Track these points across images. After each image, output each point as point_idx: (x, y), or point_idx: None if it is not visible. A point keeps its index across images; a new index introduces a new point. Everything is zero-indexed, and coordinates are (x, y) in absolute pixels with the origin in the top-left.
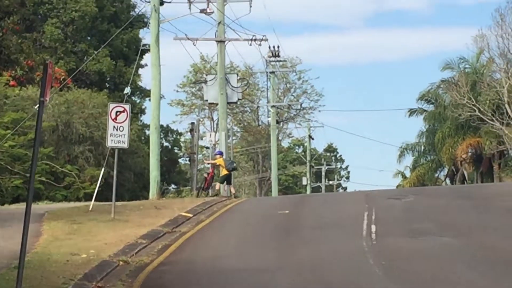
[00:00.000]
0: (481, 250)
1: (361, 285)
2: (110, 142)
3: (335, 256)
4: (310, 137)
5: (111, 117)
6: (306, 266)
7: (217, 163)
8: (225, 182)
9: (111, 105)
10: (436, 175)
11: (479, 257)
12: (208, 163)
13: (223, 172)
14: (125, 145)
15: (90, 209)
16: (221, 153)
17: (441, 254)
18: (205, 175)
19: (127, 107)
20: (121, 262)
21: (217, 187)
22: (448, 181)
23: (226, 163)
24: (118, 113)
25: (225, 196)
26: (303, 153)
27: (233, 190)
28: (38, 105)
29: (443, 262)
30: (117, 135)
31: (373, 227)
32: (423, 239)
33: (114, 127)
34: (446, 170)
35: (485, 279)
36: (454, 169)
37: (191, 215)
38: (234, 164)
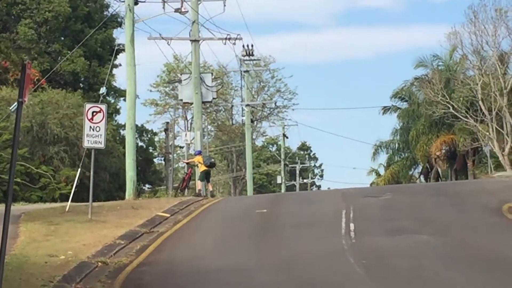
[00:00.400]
0: (459, 247)
1: (342, 284)
2: (87, 143)
3: (315, 255)
4: (284, 135)
5: (87, 117)
6: (285, 265)
7: (196, 161)
8: (205, 180)
9: (87, 105)
10: (411, 172)
11: (457, 255)
12: (186, 162)
13: (202, 168)
14: (102, 146)
15: (66, 210)
16: (199, 153)
17: (420, 251)
18: (183, 175)
19: (104, 107)
20: (99, 263)
21: (199, 187)
22: (422, 178)
23: (204, 159)
24: (94, 113)
25: (201, 195)
26: (277, 152)
27: (210, 188)
28: (14, 106)
29: (422, 259)
30: (94, 136)
31: (352, 225)
32: (402, 237)
33: (90, 127)
34: (420, 167)
35: (463, 276)
36: (428, 167)
37: (168, 215)
38: (212, 160)
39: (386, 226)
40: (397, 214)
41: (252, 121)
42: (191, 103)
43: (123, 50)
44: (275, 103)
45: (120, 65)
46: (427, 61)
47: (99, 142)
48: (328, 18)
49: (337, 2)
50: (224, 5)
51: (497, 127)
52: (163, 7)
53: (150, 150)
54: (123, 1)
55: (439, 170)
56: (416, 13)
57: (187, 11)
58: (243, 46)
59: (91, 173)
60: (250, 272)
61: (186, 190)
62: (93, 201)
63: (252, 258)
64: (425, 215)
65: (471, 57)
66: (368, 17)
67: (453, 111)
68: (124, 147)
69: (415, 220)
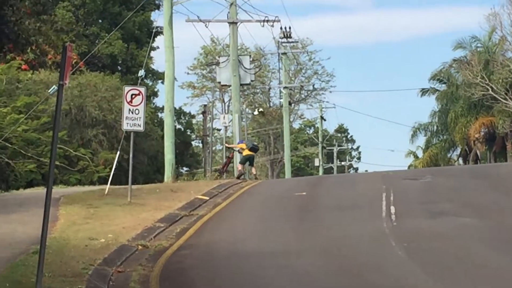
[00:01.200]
0: (500, 229)
1: (384, 267)
2: (126, 125)
3: (356, 238)
4: (321, 118)
5: (126, 100)
6: (326, 249)
7: (238, 147)
8: (248, 163)
9: (126, 88)
10: (449, 155)
11: (498, 237)
12: (227, 146)
13: (245, 152)
14: (141, 128)
15: (105, 193)
16: (241, 142)
17: (462, 234)
18: (226, 158)
19: (143, 89)
20: (140, 247)
21: (239, 168)
22: (461, 161)
23: (247, 143)
24: (133, 96)
25: (241, 179)
26: (314, 134)
27: (254, 171)
28: (53, 88)
29: (464, 242)
30: (133, 118)
31: (392, 208)
32: (443, 219)
33: (129, 110)
34: (459, 150)
35: (504, 258)
36: (467, 149)
37: (207, 198)
38: (255, 143)
39: (426, 209)
40: (438, 197)
41: (289, 104)
42: (229, 86)
43: (161, 32)
44: (313, 86)
45: (158, 47)
46: (466, 42)
47: (138, 125)
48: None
49: None
50: None
51: None
52: None
53: (188, 133)
54: None
55: (478, 152)
56: None
57: None
58: (281, 28)
59: (130, 156)
60: (290, 255)
61: (224, 173)
62: (132, 184)
63: (293, 241)
64: (465, 197)
65: (510, 38)
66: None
67: (492, 93)
68: (162, 130)
69: (455, 202)
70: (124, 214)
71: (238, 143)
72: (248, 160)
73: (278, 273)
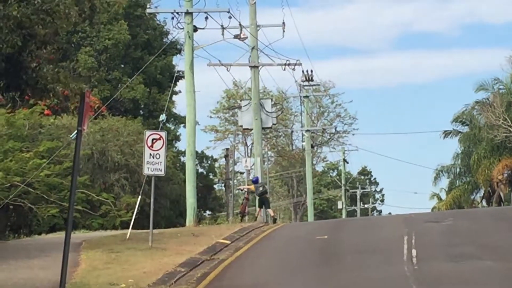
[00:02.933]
0: None
1: None
2: (147, 170)
3: (377, 282)
4: (344, 160)
5: (147, 144)
6: None
7: (251, 189)
8: (263, 207)
9: (147, 133)
10: (472, 197)
11: None
12: (241, 189)
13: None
14: (162, 173)
15: (127, 237)
16: (256, 180)
17: (485, 278)
18: (243, 200)
19: (163, 134)
20: None
21: (257, 213)
22: (484, 202)
23: (256, 189)
24: (154, 140)
25: (262, 222)
26: (337, 177)
27: (271, 213)
28: (74, 134)
29: (486, 286)
30: (154, 163)
31: (414, 252)
32: (465, 263)
33: (150, 154)
34: (482, 191)
35: None
36: (490, 191)
37: (229, 242)
38: (261, 188)
39: (448, 252)
40: (460, 240)
41: (312, 147)
42: (251, 129)
43: (183, 76)
44: (335, 128)
45: (180, 91)
46: (488, 84)
47: (159, 169)
48: (384, 42)
49: (392, 26)
50: (283, 31)
51: None
52: (222, 34)
53: (211, 177)
54: (183, 28)
55: (501, 194)
56: (473, 37)
57: (246, 37)
58: (302, 71)
59: (152, 200)
60: None
61: (247, 215)
62: (154, 228)
63: (314, 286)
64: (488, 240)
65: None
66: (424, 41)
67: None
68: (184, 174)
69: (478, 245)
70: (145, 258)
71: (253, 181)
72: (262, 203)
73: None
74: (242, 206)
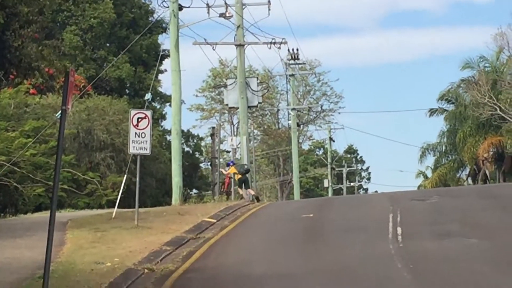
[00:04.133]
0: (508, 251)
1: None
2: (132, 149)
3: (362, 260)
4: (330, 139)
5: (132, 123)
6: (333, 271)
7: (231, 172)
8: (244, 186)
9: (133, 112)
10: (458, 174)
11: (506, 259)
12: (223, 173)
13: (237, 177)
14: (147, 152)
15: (113, 216)
16: (232, 163)
17: (469, 256)
18: (222, 180)
19: (149, 113)
20: (146, 270)
21: (240, 192)
22: (470, 180)
23: (238, 167)
24: (139, 119)
25: (248, 200)
26: (324, 155)
27: (252, 192)
28: (59, 113)
29: (472, 264)
30: (139, 142)
31: (399, 229)
32: (450, 240)
33: (136, 133)
34: (468, 169)
35: None
36: (476, 169)
37: (214, 221)
38: (246, 167)
39: (433, 230)
40: (445, 218)
41: (298, 125)
42: (237, 108)
43: (168, 55)
44: (321, 107)
45: (166, 70)
46: (473, 62)
47: (144, 148)
48: (370, 21)
49: (379, 4)
50: (269, 9)
51: None
52: (208, 12)
53: (197, 155)
54: (168, 7)
55: (487, 172)
56: (460, 15)
57: (231, 16)
58: (288, 50)
59: (137, 179)
60: (297, 278)
61: (231, 194)
62: (140, 207)
63: (299, 264)
64: (473, 218)
65: None
66: (410, 20)
67: (500, 113)
68: (170, 153)
69: (463, 223)
70: (131, 237)
71: (229, 165)
72: (243, 183)
73: None
74: (225, 185)
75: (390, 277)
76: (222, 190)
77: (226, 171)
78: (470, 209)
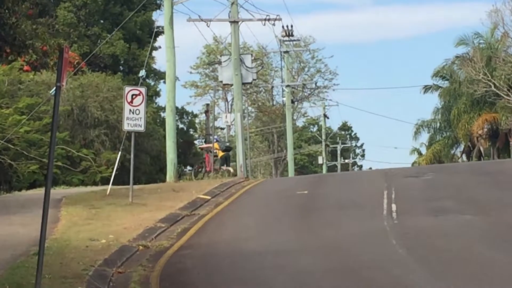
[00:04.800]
0: (502, 227)
1: (385, 266)
2: (127, 126)
3: (357, 237)
4: (325, 115)
5: (127, 100)
6: (328, 248)
7: (215, 148)
8: (226, 164)
9: (127, 88)
10: (453, 151)
11: (501, 235)
12: (200, 148)
13: (220, 154)
14: (142, 129)
15: (107, 193)
16: (216, 140)
17: (464, 232)
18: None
19: (143, 90)
20: (140, 247)
21: (224, 168)
22: (464, 157)
23: (220, 144)
24: (134, 96)
25: (242, 177)
26: (318, 132)
27: (231, 170)
28: (54, 90)
29: (466, 240)
30: (134, 119)
31: (394, 206)
32: (445, 217)
33: (130, 110)
34: (462, 146)
35: (507, 257)
36: (470, 145)
37: (209, 198)
38: (227, 143)
39: (428, 206)
40: (440, 194)
41: (292, 102)
42: (231, 85)
43: (162, 32)
44: (316, 84)
45: (160, 47)
46: (468, 39)
47: (139, 125)
48: None
49: None
50: None
51: None
52: None
53: (191, 132)
54: None
55: (481, 148)
56: None
57: None
58: (283, 26)
59: (132, 156)
60: (292, 254)
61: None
62: (134, 184)
63: (294, 240)
64: (468, 194)
65: None
66: None
67: (494, 89)
68: (164, 130)
69: (457, 200)
70: (126, 214)
71: (214, 142)
72: (225, 161)
73: (279, 272)
74: (207, 163)
75: (385, 253)
76: (205, 171)
77: (207, 145)
78: (465, 186)
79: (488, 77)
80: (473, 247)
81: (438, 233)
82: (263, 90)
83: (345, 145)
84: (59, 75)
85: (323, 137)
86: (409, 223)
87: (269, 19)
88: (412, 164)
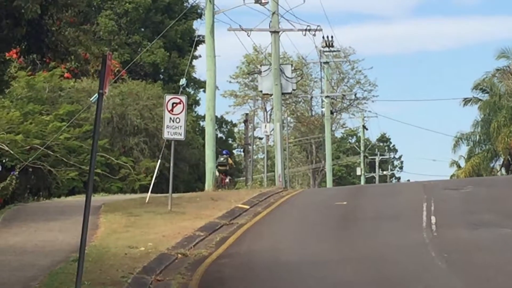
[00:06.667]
0: None
1: (424, 279)
2: (167, 134)
3: (396, 249)
4: (364, 127)
5: (167, 108)
6: (367, 259)
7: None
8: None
9: (167, 97)
10: (492, 164)
11: None
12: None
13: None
14: (182, 137)
15: (146, 201)
16: (227, 153)
17: (504, 246)
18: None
19: (183, 98)
20: (179, 255)
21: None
22: (503, 170)
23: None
24: (174, 104)
25: (281, 187)
26: (356, 143)
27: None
28: (95, 97)
29: (505, 253)
30: (174, 127)
31: (433, 219)
32: (484, 230)
33: (170, 118)
34: (501, 159)
35: None
36: (510, 159)
37: (248, 207)
38: (221, 159)
39: (467, 219)
40: (479, 207)
41: (331, 113)
42: (271, 95)
43: (203, 41)
44: (355, 95)
45: (200, 56)
46: (509, 52)
47: (179, 133)
48: (402, 9)
49: None
50: None
51: None
52: None
53: (230, 142)
54: None
55: None
56: (493, 4)
57: (267, 2)
58: (323, 37)
59: (171, 164)
60: (331, 265)
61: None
62: (173, 192)
63: (333, 251)
64: (507, 208)
65: None
66: (442, 8)
67: None
68: (203, 138)
69: (497, 213)
70: (164, 222)
71: (224, 154)
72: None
73: (318, 283)
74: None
75: (424, 266)
76: (221, 184)
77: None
78: (504, 199)
79: None
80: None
81: (477, 247)
82: (302, 101)
83: (383, 157)
84: (101, 82)
85: (362, 148)
86: (449, 235)
87: (309, 30)
88: (451, 176)
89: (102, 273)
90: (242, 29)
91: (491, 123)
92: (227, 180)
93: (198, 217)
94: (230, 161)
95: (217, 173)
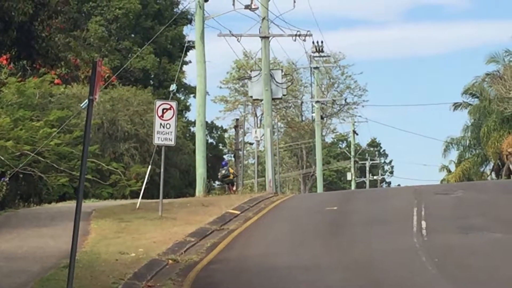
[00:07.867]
0: None
1: (415, 283)
2: (157, 140)
3: (387, 254)
4: (354, 132)
5: (157, 114)
6: (357, 264)
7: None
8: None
9: (158, 102)
10: (482, 169)
11: None
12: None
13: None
14: (172, 143)
15: (137, 207)
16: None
17: (494, 250)
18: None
19: (174, 104)
20: (170, 261)
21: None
22: (493, 175)
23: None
24: (164, 110)
25: (272, 192)
26: (347, 148)
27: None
28: (85, 103)
29: (497, 259)
30: (164, 133)
31: (423, 223)
32: (475, 235)
33: (160, 124)
34: (491, 164)
35: None
36: (499, 163)
37: (238, 212)
38: (223, 172)
39: (458, 224)
40: (469, 212)
41: (322, 118)
42: (261, 100)
43: (193, 47)
44: (345, 100)
45: (190, 62)
46: (499, 56)
47: (169, 139)
48: (393, 14)
49: None
50: (294, 1)
51: None
52: (233, 4)
53: (220, 147)
54: None
55: (511, 166)
56: (484, 9)
57: (257, 8)
58: (313, 42)
59: (161, 170)
60: (322, 270)
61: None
62: (163, 198)
63: (324, 256)
64: (498, 212)
65: None
66: (433, 14)
67: None
68: (194, 144)
69: (487, 217)
70: (155, 228)
71: (224, 165)
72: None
73: None
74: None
75: (415, 270)
76: (231, 191)
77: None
78: (494, 204)
79: None
80: (502, 265)
81: (468, 251)
82: (293, 106)
83: (373, 162)
84: (92, 88)
85: (352, 153)
86: (439, 240)
87: (299, 35)
88: (441, 181)
89: (93, 279)
90: (232, 35)
91: (481, 128)
92: (234, 188)
93: (189, 222)
94: (231, 170)
95: (225, 186)
